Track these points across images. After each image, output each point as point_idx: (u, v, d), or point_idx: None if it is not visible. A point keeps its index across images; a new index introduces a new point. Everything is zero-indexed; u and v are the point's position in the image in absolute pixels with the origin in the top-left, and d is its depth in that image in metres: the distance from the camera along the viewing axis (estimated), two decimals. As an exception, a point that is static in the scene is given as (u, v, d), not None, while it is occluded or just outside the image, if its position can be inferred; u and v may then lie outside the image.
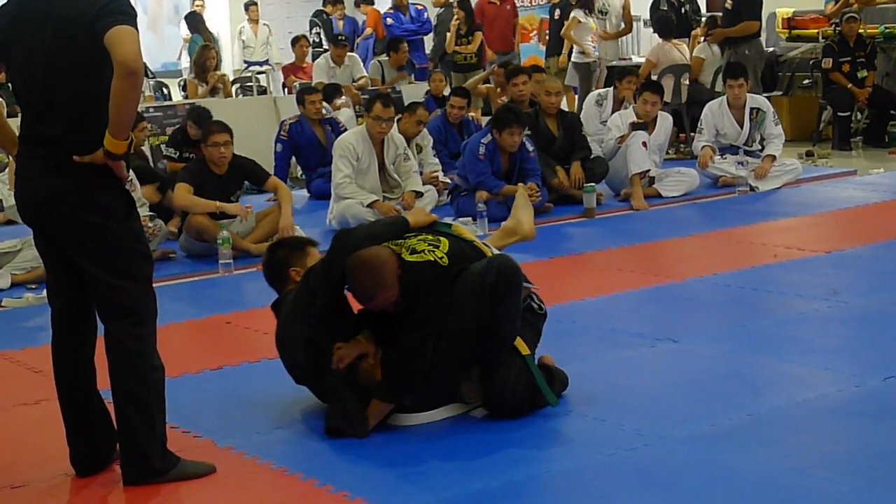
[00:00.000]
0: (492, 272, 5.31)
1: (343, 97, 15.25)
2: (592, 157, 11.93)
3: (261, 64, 19.61)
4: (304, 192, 13.17)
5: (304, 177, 13.55)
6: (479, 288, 5.28)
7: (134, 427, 4.86)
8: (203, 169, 9.94)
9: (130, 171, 9.76)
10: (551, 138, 11.78)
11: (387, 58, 17.60)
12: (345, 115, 14.87)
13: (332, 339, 5.44)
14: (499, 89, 15.31)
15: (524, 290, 5.60)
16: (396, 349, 5.32)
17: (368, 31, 20.35)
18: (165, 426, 4.94)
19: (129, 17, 4.64)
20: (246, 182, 10.37)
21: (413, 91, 16.26)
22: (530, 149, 11.15)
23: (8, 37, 4.85)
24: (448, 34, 17.66)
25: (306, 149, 13.16)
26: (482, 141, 11.02)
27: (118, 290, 4.86)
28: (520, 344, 5.47)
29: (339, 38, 17.42)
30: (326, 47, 19.13)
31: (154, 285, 8.70)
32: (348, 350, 5.41)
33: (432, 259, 5.34)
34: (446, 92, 14.66)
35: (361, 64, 17.24)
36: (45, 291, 8.60)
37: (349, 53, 16.96)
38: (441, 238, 5.54)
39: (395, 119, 11.38)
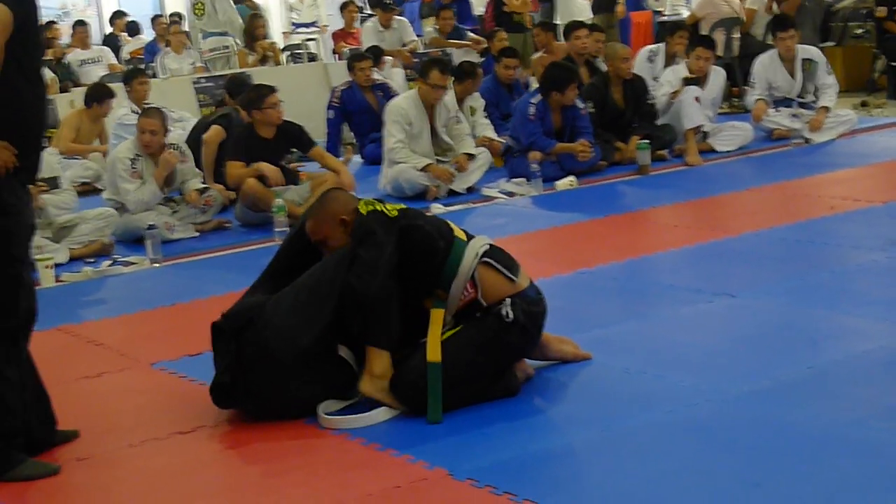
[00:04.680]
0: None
1: (388, 57, 15.28)
2: (660, 124, 11.89)
3: (308, 26, 19.57)
4: (358, 158, 13.18)
5: (356, 142, 13.56)
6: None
7: None
8: (251, 134, 10.02)
9: (180, 141, 9.87)
10: (619, 113, 11.75)
11: (435, 25, 17.56)
12: (397, 76, 14.89)
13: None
14: (542, 50, 15.21)
15: (500, 279, 5.44)
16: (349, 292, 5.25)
17: (414, -7, 20.30)
18: (15, 424, 4.88)
19: None
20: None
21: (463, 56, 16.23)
22: (581, 106, 11.13)
23: None
24: None
25: (358, 115, 13.18)
26: (532, 101, 11.02)
27: None
28: (433, 349, 5.20)
29: (387, 2, 17.39)
30: (372, 12, 19.11)
31: (210, 255, 8.81)
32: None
33: (380, 209, 5.40)
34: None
35: (410, 27, 17.20)
36: (103, 265, 8.75)
37: (397, 17, 16.91)
38: (400, 204, 5.59)
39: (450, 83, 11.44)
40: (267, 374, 5.25)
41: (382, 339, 5.25)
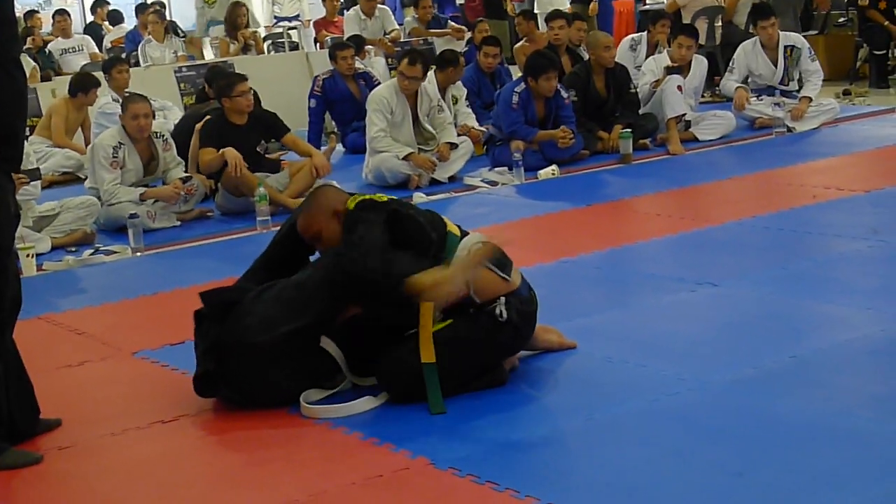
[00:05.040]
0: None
1: (369, 46, 15.25)
2: (643, 112, 11.87)
3: (290, 20, 19.54)
4: (340, 147, 13.16)
5: (338, 131, 13.54)
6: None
7: None
8: (223, 122, 10.02)
9: (163, 129, 9.84)
10: (601, 101, 11.72)
11: (414, 14, 17.54)
12: (378, 65, 14.85)
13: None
14: (524, 39, 15.19)
15: (494, 278, 5.36)
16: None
17: (395, -18, 20.26)
18: None
19: None
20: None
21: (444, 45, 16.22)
22: (565, 95, 11.14)
23: None
24: None
25: (340, 104, 13.15)
26: (515, 90, 11.01)
27: None
28: (426, 350, 5.15)
29: None
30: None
31: (192, 244, 8.80)
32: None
33: (369, 197, 5.39)
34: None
35: (392, 16, 17.17)
36: (85, 254, 8.72)
37: (379, 5, 16.88)
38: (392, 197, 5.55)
39: (433, 72, 11.43)
40: (246, 362, 5.23)
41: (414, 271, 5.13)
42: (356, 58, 13.53)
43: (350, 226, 5.27)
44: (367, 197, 5.42)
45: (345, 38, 15.13)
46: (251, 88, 10.07)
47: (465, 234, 5.49)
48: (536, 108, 11.03)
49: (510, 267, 5.45)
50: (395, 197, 5.57)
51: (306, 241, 5.56)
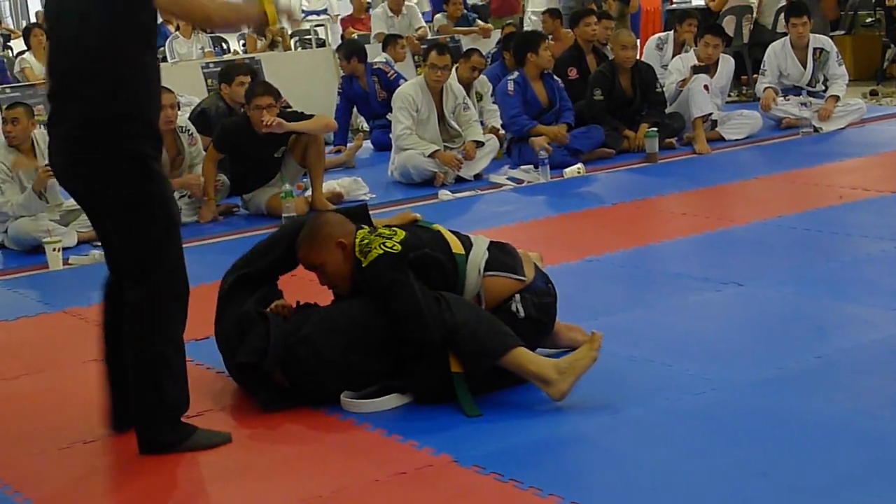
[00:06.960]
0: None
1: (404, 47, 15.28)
2: (669, 112, 11.84)
3: (318, 13, 19.54)
4: (368, 144, 13.18)
5: (365, 128, 13.60)
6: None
7: (141, 395, 4.85)
8: (242, 128, 9.73)
9: (189, 124, 9.84)
10: (627, 100, 11.69)
11: (444, 12, 17.55)
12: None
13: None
14: (550, 37, 15.15)
15: (507, 282, 5.42)
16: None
17: (425, -22, 20.27)
18: (182, 395, 4.92)
19: None
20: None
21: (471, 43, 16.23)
22: (555, 77, 11.31)
23: None
24: None
25: (357, 101, 13.25)
26: (510, 79, 11.18)
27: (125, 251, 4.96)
28: (453, 359, 5.09)
29: None
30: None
31: (217, 240, 8.79)
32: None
33: (382, 252, 5.17)
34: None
35: (420, 14, 17.18)
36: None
37: (407, 3, 16.89)
38: (398, 230, 5.33)
39: (454, 67, 11.42)
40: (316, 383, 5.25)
41: (498, 346, 5.10)
42: (384, 53, 13.58)
43: (386, 293, 5.15)
44: (377, 243, 5.21)
45: (372, 35, 15.16)
46: (272, 105, 9.57)
47: (467, 245, 5.46)
48: (536, 92, 11.11)
49: (520, 263, 5.47)
50: (401, 232, 5.34)
51: (307, 269, 5.48)
